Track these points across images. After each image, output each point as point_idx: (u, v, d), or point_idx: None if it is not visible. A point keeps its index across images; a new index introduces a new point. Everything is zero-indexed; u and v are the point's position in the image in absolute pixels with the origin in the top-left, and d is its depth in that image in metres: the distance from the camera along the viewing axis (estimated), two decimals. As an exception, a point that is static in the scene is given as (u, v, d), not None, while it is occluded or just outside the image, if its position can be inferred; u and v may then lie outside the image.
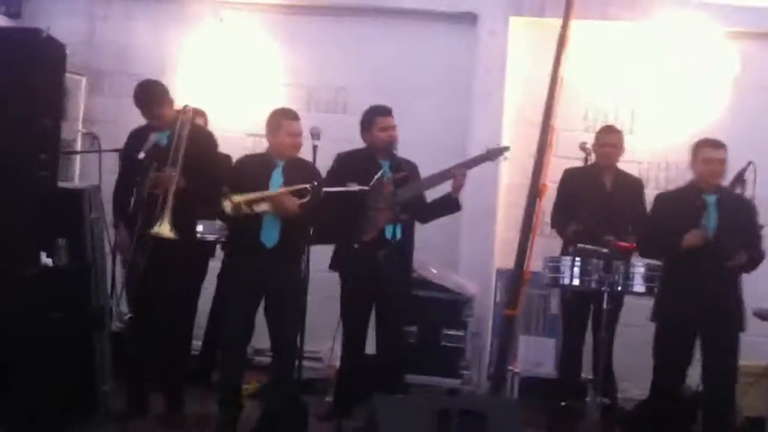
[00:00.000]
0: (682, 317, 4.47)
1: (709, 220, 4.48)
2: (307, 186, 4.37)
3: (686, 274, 4.47)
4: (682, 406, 4.57)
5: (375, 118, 4.96)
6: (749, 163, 4.36)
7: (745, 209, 4.50)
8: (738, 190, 4.43)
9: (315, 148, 4.51)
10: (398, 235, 4.62)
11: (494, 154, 4.92)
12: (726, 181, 4.66)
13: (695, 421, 4.48)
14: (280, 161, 4.59)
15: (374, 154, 4.86)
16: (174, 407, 4.68)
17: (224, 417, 4.56)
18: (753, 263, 4.51)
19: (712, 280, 4.34)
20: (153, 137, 4.42)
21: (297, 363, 4.49)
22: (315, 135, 4.54)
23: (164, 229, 4.26)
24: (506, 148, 4.96)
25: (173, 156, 4.42)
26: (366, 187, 4.50)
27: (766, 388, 4.52)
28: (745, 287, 4.89)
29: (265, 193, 4.43)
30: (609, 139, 5.46)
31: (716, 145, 4.64)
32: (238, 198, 4.37)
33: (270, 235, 4.48)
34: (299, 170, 4.54)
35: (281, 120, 4.59)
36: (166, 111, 4.59)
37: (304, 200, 4.38)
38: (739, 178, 4.46)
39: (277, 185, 4.53)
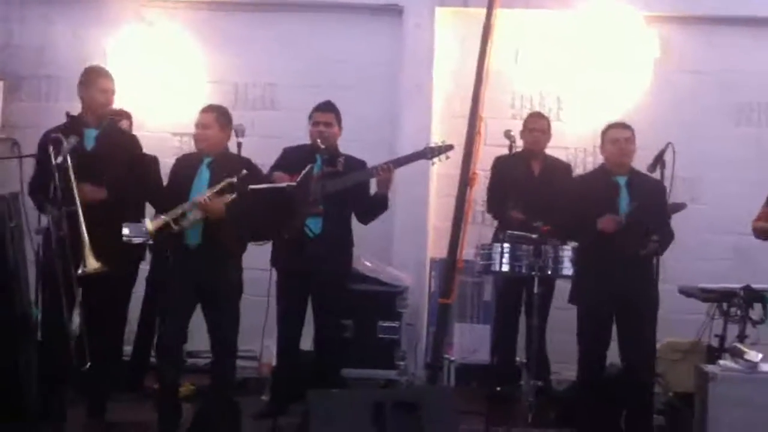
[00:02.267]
0: (598, 299, 4.55)
1: (621, 202, 4.56)
2: (232, 180, 4.29)
3: (600, 257, 4.56)
4: (611, 385, 4.65)
5: (313, 113, 4.95)
6: (668, 144, 4.46)
7: (656, 190, 4.59)
8: (658, 171, 4.52)
9: (239, 145, 4.46)
10: (319, 229, 4.59)
11: (434, 152, 4.90)
12: (646, 162, 4.77)
13: (624, 399, 4.57)
14: (207, 157, 4.53)
15: (313, 149, 4.83)
16: (95, 414, 4.58)
17: (164, 422, 4.49)
18: (664, 246, 4.60)
19: (625, 262, 4.42)
20: (72, 140, 4.31)
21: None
22: (239, 132, 4.48)
23: (90, 264, 4.18)
24: (449, 147, 4.93)
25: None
26: (293, 183, 4.47)
27: (693, 363, 4.61)
28: (668, 266, 5.03)
29: (183, 207, 4.34)
30: (537, 125, 5.56)
31: (621, 126, 4.78)
32: (153, 226, 4.32)
33: (192, 235, 4.42)
34: (229, 165, 4.47)
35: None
36: (94, 95, 4.50)
37: (230, 198, 4.31)
38: (659, 159, 4.55)
39: (203, 182, 4.46)
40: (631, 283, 4.45)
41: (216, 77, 6.43)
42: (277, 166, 4.85)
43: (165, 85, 6.39)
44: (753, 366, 4.08)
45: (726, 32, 6.39)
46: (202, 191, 4.38)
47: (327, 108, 4.93)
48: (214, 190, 4.32)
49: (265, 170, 4.78)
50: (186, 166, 4.59)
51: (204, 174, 4.49)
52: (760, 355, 4.10)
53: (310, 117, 4.92)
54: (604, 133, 4.84)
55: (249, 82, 6.43)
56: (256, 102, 6.43)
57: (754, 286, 4.76)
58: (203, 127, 4.52)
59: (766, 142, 6.33)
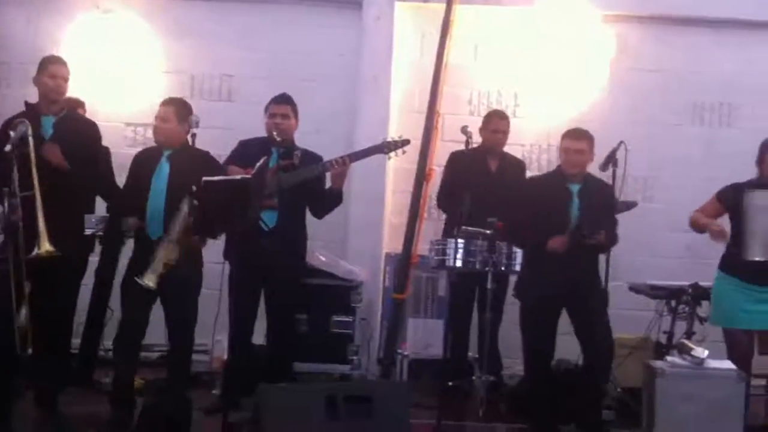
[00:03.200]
0: (541, 294, 4.55)
1: (573, 209, 4.58)
2: (195, 202, 4.25)
3: (547, 255, 4.53)
4: (559, 380, 4.69)
5: (269, 105, 4.91)
6: (620, 143, 4.50)
7: (605, 194, 4.62)
8: (610, 169, 4.57)
9: (193, 136, 4.42)
10: (274, 223, 4.56)
11: (391, 147, 4.86)
12: (600, 161, 4.81)
13: (574, 394, 4.61)
14: (167, 150, 4.48)
15: (269, 141, 4.79)
16: (44, 405, 4.50)
17: (118, 415, 4.43)
18: (609, 243, 4.62)
19: (572, 260, 4.45)
20: (21, 128, 4.23)
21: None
22: (194, 123, 4.45)
23: (44, 247, 4.09)
24: (406, 142, 4.89)
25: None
26: (247, 175, 4.43)
27: (641, 359, 4.68)
28: (620, 263, 5.09)
29: (164, 252, 4.26)
30: (500, 126, 5.58)
31: (575, 136, 4.65)
32: (152, 281, 4.25)
33: (154, 228, 4.39)
34: (188, 159, 4.44)
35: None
36: (45, 81, 4.41)
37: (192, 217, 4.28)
38: (611, 158, 4.60)
39: (164, 175, 4.42)
40: (576, 278, 4.46)
41: (172, 67, 6.36)
42: (233, 158, 4.81)
43: (120, 75, 6.30)
44: (699, 362, 4.15)
45: (682, 32, 6.47)
46: (161, 191, 4.36)
47: (283, 100, 4.89)
48: (182, 223, 4.26)
49: (221, 162, 4.75)
50: (146, 160, 4.56)
51: (164, 167, 4.45)
52: (707, 352, 4.17)
53: (267, 109, 4.88)
54: (561, 139, 4.77)
55: (206, 73, 6.37)
56: (212, 93, 6.37)
57: (702, 283, 4.84)
58: (162, 120, 4.49)
59: (719, 141, 6.43)
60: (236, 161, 4.74)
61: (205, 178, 4.25)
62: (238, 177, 4.47)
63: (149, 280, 4.26)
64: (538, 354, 4.62)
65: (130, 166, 4.63)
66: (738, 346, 4.33)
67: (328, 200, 4.87)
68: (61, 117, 4.48)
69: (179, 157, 4.45)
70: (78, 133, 4.45)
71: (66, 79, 4.50)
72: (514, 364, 5.61)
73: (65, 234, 4.22)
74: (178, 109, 4.51)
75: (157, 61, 6.35)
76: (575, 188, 4.59)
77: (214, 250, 4.73)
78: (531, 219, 4.58)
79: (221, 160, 4.77)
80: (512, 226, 4.80)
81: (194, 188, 4.22)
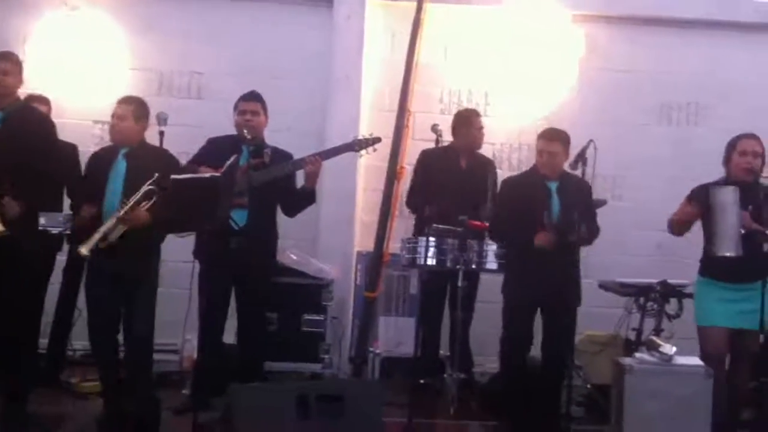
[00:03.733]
0: (526, 296, 4.61)
1: (553, 207, 4.63)
2: (150, 188, 4.21)
3: (531, 256, 4.60)
4: (532, 377, 4.71)
5: (238, 102, 4.87)
6: (590, 141, 4.52)
7: (583, 190, 4.66)
8: (580, 168, 4.59)
9: (161, 134, 4.37)
10: (244, 221, 4.53)
11: (362, 144, 4.85)
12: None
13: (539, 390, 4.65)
14: (123, 148, 4.43)
15: (239, 139, 4.76)
16: (13, 403, 4.43)
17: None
18: (591, 237, 4.70)
19: (555, 262, 4.49)
20: None
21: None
22: (161, 120, 4.39)
23: None
24: (377, 140, 4.88)
25: None
26: (216, 173, 4.39)
27: (611, 356, 4.72)
28: (590, 261, 5.13)
29: (106, 226, 4.21)
30: (482, 123, 5.61)
31: (549, 137, 4.75)
32: (85, 249, 4.18)
33: None
34: (146, 157, 4.38)
35: None
36: None
37: (151, 202, 4.23)
38: (581, 157, 4.61)
39: (120, 174, 4.36)
40: (560, 282, 4.50)
41: (141, 64, 6.28)
42: (201, 156, 4.76)
43: (88, 72, 6.20)
44: (668, 359, 4.19)
45: (651, 32, 6.54)
46: (117, 189, 4.30)
47: (253, 97, 4.86)
48: (132, 202, 4.21)
49: (189, 160, 4.70)
50: (102, 158, 4.50)
51: (120, 166, 4.39)
52: (675, 348, 4.21)
53: (236, 107, 4.85)
54: (537, 139, 4.84)
55: (175, 69, 6.31)
56: (181, 90, 6.31)
57: (670, 281, 4.89)
58: (118, 118, 4.44)
59: (688, 141, 6.51)
60: (205, 159, 4.68)
61: (173, 176, 4.20)
62: (208, 175, 4.43)
63: (84, 248, 4.18)
64: (515, 351, 4.65)
65: (86, 164, 4.58)
66: (713, 344, 4.36)
67: (300, 199, 4.85)
68: (9, 111, 4.36)
69: (136, 155, 4.39)
70: (27, 128, 4.35)
71: (6, 73, 4.38)
72: (485, 362, 5.65)
73: (27, 232, 4.14)
74: (135, 108, 4.46)
75: (125, 58, 6.27)
76: (554, 186, 4.66)
77: (184, 249, 4.70)
78: (513, 218, 4.62)
79: (191, 158, 4.74)
80: (496, 226, 4.84)
81: (157, 175, 4.18)
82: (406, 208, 5.79)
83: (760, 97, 6.46)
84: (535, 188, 4.69)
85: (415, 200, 5.56)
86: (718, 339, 4.33)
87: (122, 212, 4.20)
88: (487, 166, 5.62)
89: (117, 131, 4.45)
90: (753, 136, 4.45)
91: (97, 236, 4.20)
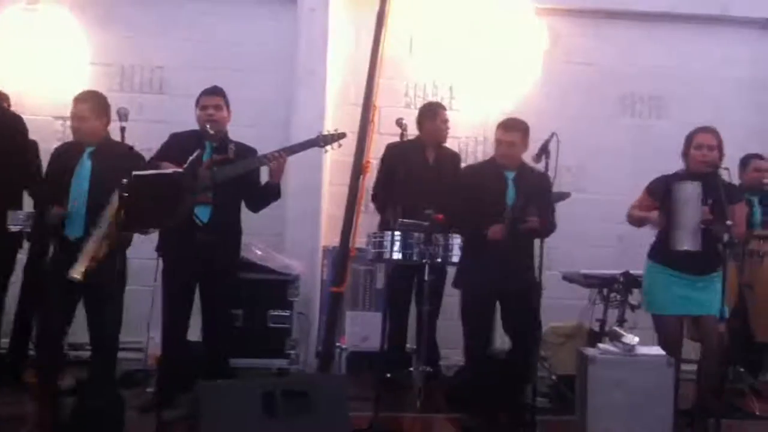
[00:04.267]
0: (481, 282, 4.63)
1: (509, 196, 4.65)
2: (123, 194, 4.15)
3: (486, 246, 4.63)
4: (498, 368, 4.74)
5: (200, 97, 4.81)
6: (552, 134, 4.54)
7: (541, 183, 4.68)
8: (543, 161, 4.61)
9: (122, 129, 4.29)
10: (208, 218, 4.49)
11: (327, 140, 4.82)
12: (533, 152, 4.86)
13: (505, 382, 4.68)
14: (89, 147, 4.37)
15: (202, 135, 4.71)
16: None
17: (44, 416, 4.31)
18: (546, 231, 4.71)
19: (510, 252, 4.51)
20: None
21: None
22: (122, 116, 4.32)
23: None
24: (342, 135, 4.86)
25: None
26: (179, 169, 4.34)
27: (575, 347, 4.76)
28: (553, 253, 5.15)
29: (92, 247, 4.15)
30: (447, 117, 5.62)
31: (507, 127, 4.80)
32: (77, 274, 4.13)
33: (74, 228, 4.28)
34: (110, 156, 4.30)
35: None
36: None
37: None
38: (544, 149, 4.64)
39: (86, 172, 4.32)
40: (516, 272, 4.52)
41: (102, 59, 6.21)
42: (163, 151, 4.70)
43: (47, 67, 6.11)
44: (630, 349, 4.23)
45: (614, 25, 6.61)
46: (83, 189, 4.26)
47: (214, 92, 4.80)
48: (111, 218, 4.14)
49: (151, 155, 4.65)
50: (66, 156, 4.43)
51: (86, 164, 4.35)
52: (637, 339, 4.26)
53: (198, 102, 4.80)
54: (496, 128, 4.88)
55: (136, 64, 6.24)
56: (143, 85, 6.25)
57: (633, 272, 4.94)
58: (78, 120, 4.39)
59: (650, 133, 6.59)
60: (168, 155, 4.62)
61: (134, 172, 4.12)
62: (170, 171, 4.37)
63: (76, 273, 4.16)
64: (478, 343, 4.68)
65: (50, 160, 4.51)
66: (668, 332, 4.43)
67: (265, 194, 4.82)
68: None
69: (101, 153, 4.34)
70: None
71: None
72: (452, 355, 5.67)
73: None
74: (93, 105, 4.41)
75: (85, 53, 6.19)
76: (510, 176, 4.68)
77: (147, 246, 4.65)
78: (469, 207, 4.63)
79: (154, 154, 4.69)
80: (451, 214, 4.86)
81: (125, 181, 4.13)
82: (372, 203, 5.78)
83: (722, 90, 6.58)
84: (492, 178, 4.72)
85: (380, 197, 5.54)
86: (672, 327, 4.42)
87: (105, 229, 4.14)
88: (453, 159, 5.63)
89: (80, 133, 4.40)
90: (709, 130, 4.53)
91: (86, 260, 4.16)
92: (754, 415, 5.04)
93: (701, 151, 4.45)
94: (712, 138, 4.49)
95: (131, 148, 4.31)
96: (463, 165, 5.75)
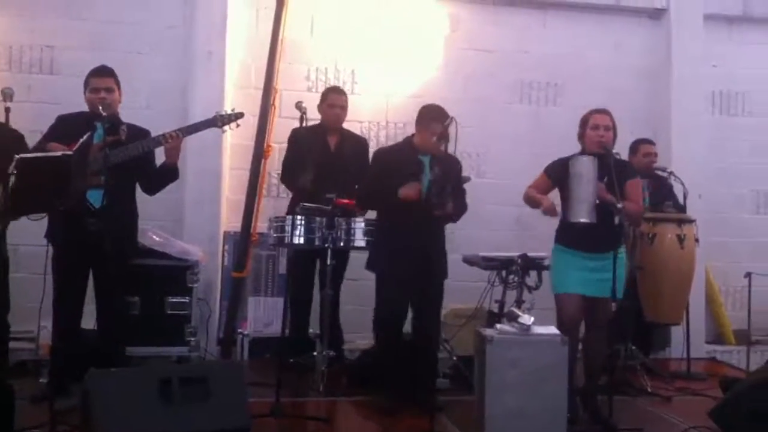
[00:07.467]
0: (399, 269, 4.64)
1: (425, 179, 4.67)
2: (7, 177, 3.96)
3: (399, 228, 4.65)
4: (406, 351, 4.77)
5: (88, 78, 4.63)
6: (451, 118, 4.57)
7: (453, 166, 4.74)
8: (443, 146, 4.65)
9: (7, 110, 4.13)
10: (100, 202, 4.34)
11: (224, 120, 4.72)
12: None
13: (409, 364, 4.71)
14: None
15: (92, 116, 4.54)
16: None
17: None
18: (458, 214, 4.79)
19: (422, 234, 4.54)
20: None
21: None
22: (7, 96, 4.14)
23: None
24: (239, 115, 4.76)
25: None
26: (69, 151, 4.17)
27: (474, 329, 4.82)
28: (454, 236, 5.24)
29: None
30: (338, 101, 5.54)
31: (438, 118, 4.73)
32: None
33: None
34: None
35: None
36: None
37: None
38: (444, 134, 4.68)
39: None
40: (428, 254, 4.55)
41: (-12, 38, 5.92)
42: (51, 135, 4.51)
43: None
44: (526, 329, 4.31)
45: (511, 13, 6.75)
46: None
47: (106, 72, 4.64)
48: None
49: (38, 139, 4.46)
50: None
51: None
52: (532, 319, 4.34)
53: (86, 83, 4.62)
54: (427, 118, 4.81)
55: (24, 44, 5.95)
56: (33, 65, 5.96)
57: (531, 254, 5.05)
58: None
59: (545, 118, 6.74)
60: (56, 138, 4.44)
61: (18, 156, 3.96)
62: (58, 153, 4.20)
63: None
64: (392, 325, 4.69)
65: None
66: (568, 311, 4.54)
67: (161, 176, 4.70)
68: None
69: None
70: None
71: None
72: (354, 338, 5.68)
73: None
74: None
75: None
76: (426, 159, 4.69)
77: (36, 232, 4.46)
78: (385, 188, 4.63)
79: (42, 136, 4.50)
80: (364, 193, 4.84)
81: (12, 168, 3.94)
82: (274, 187, 5.72)
83: (616, 78, 6.78)
84: (408, 161, 4.72)
85: (288, 177, 5.47)
86: (573, 306, 4.53)
87: None
88: (358, 145, 5.61)
89: None
90: (604, 111, 4.66)
91: None
92: (646, 392, 5.24)
93: (598, 131, 4.58)
94: (608, 119, 4.62)
95: (15, 131, 4.14)
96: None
